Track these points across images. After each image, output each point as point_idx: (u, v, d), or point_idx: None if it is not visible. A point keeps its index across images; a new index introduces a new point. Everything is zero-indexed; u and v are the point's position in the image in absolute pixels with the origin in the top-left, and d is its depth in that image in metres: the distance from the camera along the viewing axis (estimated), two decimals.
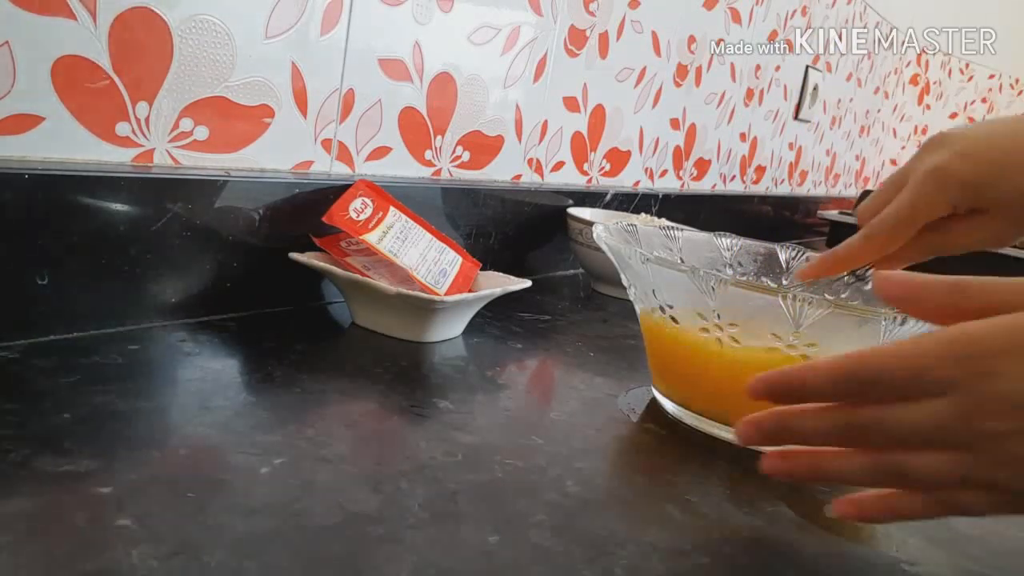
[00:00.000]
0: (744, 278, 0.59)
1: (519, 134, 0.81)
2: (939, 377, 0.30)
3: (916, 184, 0.47)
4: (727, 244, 0.61)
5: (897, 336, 0.39)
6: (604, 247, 0.51)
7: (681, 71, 1.07)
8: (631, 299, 0.52)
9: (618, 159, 1.00)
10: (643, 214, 0.97)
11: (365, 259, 0.55)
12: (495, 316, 0.64)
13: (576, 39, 0.85)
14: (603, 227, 0.52)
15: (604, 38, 0.89)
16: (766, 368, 0.35)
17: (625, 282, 0.52)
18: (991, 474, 0.30)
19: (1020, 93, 2.52)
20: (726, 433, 0.47)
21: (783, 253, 0.60)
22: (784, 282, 0.58)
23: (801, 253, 0.59)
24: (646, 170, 1.08)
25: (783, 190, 1.57)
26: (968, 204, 0.47)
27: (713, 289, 0.43)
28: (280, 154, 0.57)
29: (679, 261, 0.58)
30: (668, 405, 0.50)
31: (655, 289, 0.47)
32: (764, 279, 0.59)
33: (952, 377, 0.29)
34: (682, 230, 0.61)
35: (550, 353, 0.60)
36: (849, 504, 0.34)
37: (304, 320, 0.57)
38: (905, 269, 0.37)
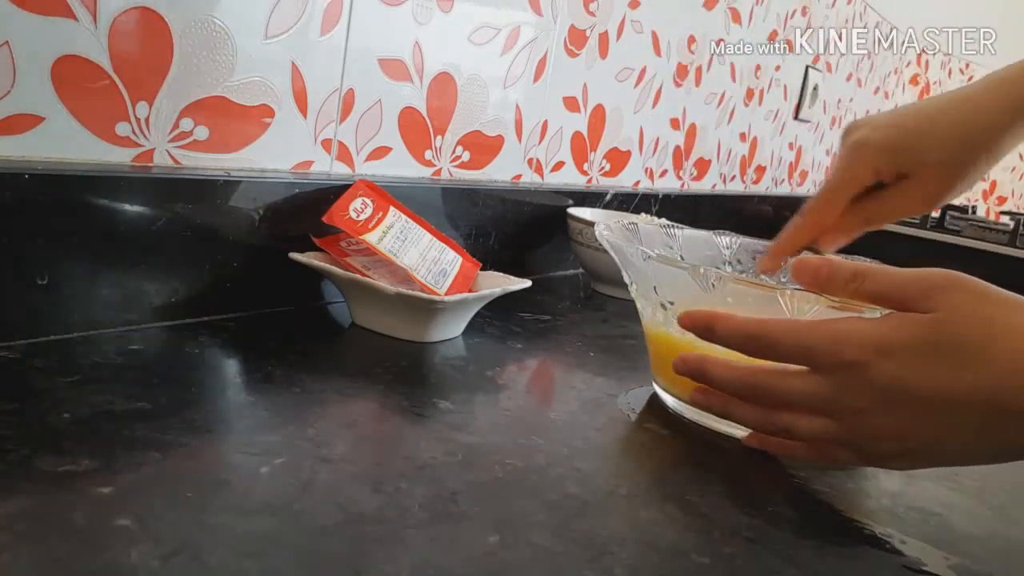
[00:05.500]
0: (743, 275, 0.59)
1: (519, 134, 0.81)
2: (819, 359, 0.38)
3: (840, 159, 0.54)
4: (727, 242, 0.62)
5: None
6: (606, 245, 0.51)
7: (681, 71, 1.07)
8: (632, 296, 0.52)
9: (618, 159, 1.00)
10: (643, 214, 0.97)
11: (365, 259, 0.55)
12: (495, 316, 0.64)
13: (576, 39, 0.85)
14: (605, 225, 0.52)
15: (604, 38, 0.89)
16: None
17: (627, 279, 0.52)
18: (853, 438, 0.39)
19: None
20: (726, 427, 0.47)
21: None
22: (783, 279, 0.58)
23: (799, 251, 0.59)
24: (646, 170, 1.08)
25: (783, 190, 1.57)
26: (891, 168, 0.52)
27: (713, 286, 0.43)
28: (280, 154, 0.57)
29: (680, 258, 0.58)
30: (668, 400, 0.51)
31: (656, 286, 0.48)
32: (763, 277, 0.59)
33: (829, 362, 0.37)
34: (682, 228, 0.62)
35: (550, 353, 0.60)
36: (757, 439, 0.45)
37: (304, 320, 0.57)
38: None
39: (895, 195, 0.52)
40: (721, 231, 0.62)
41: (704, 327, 0.42)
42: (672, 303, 0.47)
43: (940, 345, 0.35)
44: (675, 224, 0.62)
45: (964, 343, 0.35)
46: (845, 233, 0.55)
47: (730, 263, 0.61)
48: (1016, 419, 0.34)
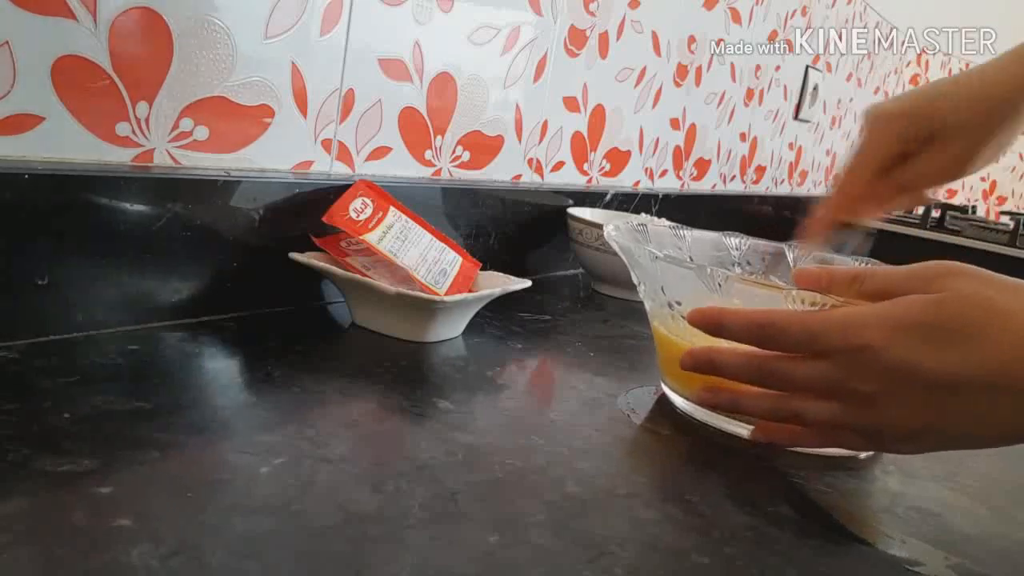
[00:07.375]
0: (752, 276, 0.59)
1: (519, 134, 0.81)
2: (827, 344, 0.38)
3: (862, 130, 0.53)
4: (736, 243, 0.62)
5: None
6: (614, 245, 0.51)
7: (681, 71, 1.07)
8: (640, 296, 0.53)
9: (618, 159, 1.00)
10: (643, 214, 0.97)
11: (365, 259, 0.55)
12: (495, 316, 0.64)
13: (576, 39, 0.85)
14: (614, 227, 0.53)
15: (604, 38, 0.89)
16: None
17: (635, 280, 0.52)
18: (861, 422, 0.39)
19: None
20: (734, 427, 0.47)
21: (791, 252, 0.60)
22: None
23: (808, 252, 0.60)
24: (646, 170, 1.08)
25: (783, 190, 1.57)
26: (914, 131, 0.51)
27: (720, 285, 0.44)
28: (280, 154, 0.57)
29: (688, 259, 0.58)
30: (678, 401, 0.51)
31: (663, 286, 0.48)
32: (772, 278, 0.59)
33: (836, 346, 0.38)
34: (691, 230, 0.62)
35: (550, 353, 0.60)
36: (763, 432, 0.45)
37: (304, 320, 0.57)
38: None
39: (924, 159, 0.51)
40: (730, 232, 0.62)
41: (713, 323, 0.42)
42: (679, 303, 0.47)
43: (944, 325, 0.35)
44: (683, 226, 0.63)
45: (967, 323, 0.35)
46: (881, 204, 0.54)
47: (739, 264, 0.61)
48: (1021, 401, 0.34)
